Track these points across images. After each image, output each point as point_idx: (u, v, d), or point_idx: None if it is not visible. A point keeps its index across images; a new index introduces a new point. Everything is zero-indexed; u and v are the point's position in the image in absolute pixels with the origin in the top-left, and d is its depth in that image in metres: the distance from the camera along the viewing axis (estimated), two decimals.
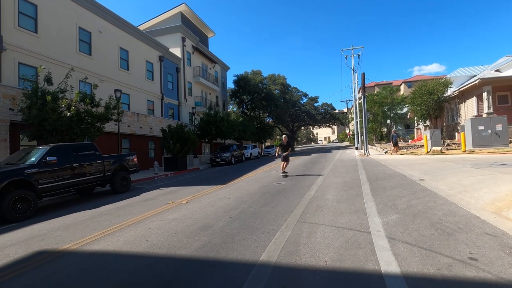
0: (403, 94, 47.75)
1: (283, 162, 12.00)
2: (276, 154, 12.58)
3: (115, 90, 15.09)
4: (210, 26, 35.58)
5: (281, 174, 11.82)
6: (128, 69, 20.64)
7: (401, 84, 68.92)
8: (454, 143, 20.59)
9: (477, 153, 14.90)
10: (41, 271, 3.88)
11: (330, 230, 4.61)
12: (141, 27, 28.30)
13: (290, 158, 14.20)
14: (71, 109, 11.23)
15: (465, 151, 15.93)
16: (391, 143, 21.02)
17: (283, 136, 12.92)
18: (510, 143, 16.58)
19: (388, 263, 3.33)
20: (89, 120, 11.96)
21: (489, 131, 16.09)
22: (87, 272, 3.76)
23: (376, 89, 63.56)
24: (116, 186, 10.42)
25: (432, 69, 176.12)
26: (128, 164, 11.22)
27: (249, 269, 3.41)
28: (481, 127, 16.25)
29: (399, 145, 23.11)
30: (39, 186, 7.78)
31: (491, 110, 19.59)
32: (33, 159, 8.04)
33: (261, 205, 6.72)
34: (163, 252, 4.19)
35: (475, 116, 20.71)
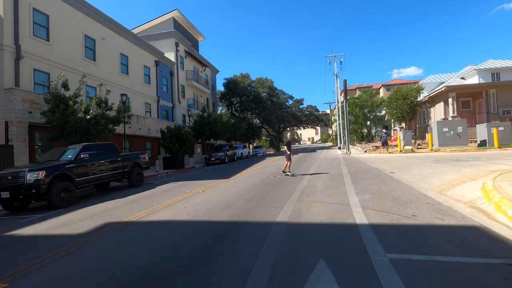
0: (382, 97, 50.92)
1: (288, 162, 11.99)
2: (290, 153, 12.12)
3: (121, 95, 16.38)
4: (199, 30, 36.99)
5: (289, 174, 11.74)
6: (127, 74, 21.85)
7: (380, 88, 72.48)
8: (424, 143, 23.14)
9: (441, 151, 17.33)
10: (118, 233, 5.46)
11: (322, 204, 6.45)
12: (135, 31, 29.35)
13: (279, 158, 15.99)
14: (89, 113, 12.56)
15: (432, 149, 18.36)
16: (380, 142, 22.84)
17: (288, 134, 13.84)
18: (469, 142, 19.18)
19: (360, 219, 5.19)
20: (103, 123, 13.30)
21: (452, 133, 18.61)
22: (154, 233, 5.39)
23: (358, 92, 66.87)
24: (133, 180, 11.87)
25: (410, 72, 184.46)
26: (141, 162, 12.69)
27: (270, 226, 5.16)
28: (445, 129, 18.75)
29: (388, 143, 24.94)
30: (76, 179, 9.20)
31: (455, 114, 22.28)
32: (70, 156, 9.43)
33: (265, 192, 8.49)
34: (204, 219, 5.87)
35: (442, 119, 23.38)
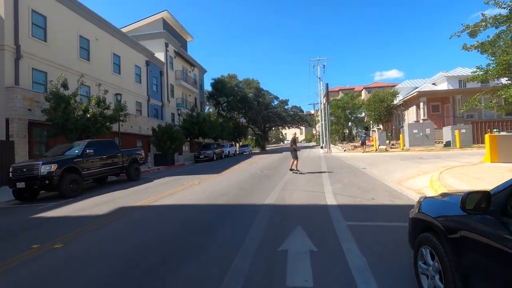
0: (363, 99, 53.32)
1: (294, 160, 12.05)
2: (293, 151, 12.29)
3: (116, 94, 17.20)
4: (188, 30, 37.80)
5: (297, 172, 11.71)
6: (120, 73, 22.52)
7: (362, 90, 75.26)
8: (397, 143, 25.16)
9: (411, 151, 19.23)
10: (135, 213, 6.60)
11: (301, 192, 7.82)
12: (124, 30, 29.81)
13: (265, 156, 17.30)
14: (89, 111, 13.41)
15: (403, 149, 20.26)
16: (359, 141, 24.60)
17: (293, 132, 13.20)
18: (436, 143, 21.25)
19: (331, 201, 6.58)
20: (101, 121, 14.16)
21: (421, 134, 20.60)
22: (166, 212, 6.58)
23: (340, 94, 69.29)
24: (131, 174, 12.86)
25: (391, 74, 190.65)
26: (138, 158, 13.67)
27: (259, 207, 6.45)
28: (415, 131, 20.71)
29: (366, 143, 26.83)
30: (82, 172, 10.15)
31: (426, 117, 24.41)
32: (76, 151, 10.36)
33: (254, 184, 9.79)
34: (206, 203, 7.11)
35: (414, 121, 25.49)
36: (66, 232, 5.37)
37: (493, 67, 7.86)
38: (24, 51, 14.42)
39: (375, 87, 68.43)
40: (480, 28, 7.67)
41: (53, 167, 9.08)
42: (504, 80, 9.38)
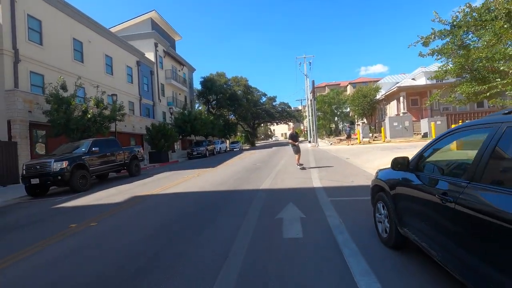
0: (349, 94, 55.04)
1: (297, 155, 11.41)
2: (294, 146, 11.54)
3: (112, 95, 17.85)
4: (175, 29, 38.27)
5: (298, 166, 11.21)
6: (112, 74, 23.02)
7: (347, 85, 77.13)
8: (380, 136, 26.75)
9: (392, 142, 20.72)
10: (149, 200, 7.57)
11: (292, 179, 8.95)
12: (113, 30, 30.09)
13: (255, 151, 18.35)
14: (90, 112, 14.12)
15: (384, 141, 21.75)
16: (345, 135, 26.03)
17: (292, 126, 12.04)
18: (415, 135, 22.86)
19: (317, 184, 7.73)
20: (100, 120, 14.87)
21: (401, 126, 22.15)
22: (176, 198, 7.57)
23: (327, 89, 70.95)
24: (132, 170, 13.69)
25: (376, 69, 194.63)
26: (138, 155, 14.50)
27: (256, 191, 7.53)
28: (395, 123, 22.24)
29: (352, 136, 28.32)
30: (90, 168, 10.97)
31: (405, 110, 26.04)
32: (83, 149, 11.15)
33: (249, 174, 10.87)
34: (209, 190, 8.14)
35: (395, 115, 27.10)
36: (94, 215, 6.31)
37: (451, 67, 9.37)
38: (22, 55, 14.92)
39: (360, 82, 70.37)
40: (430, 40, 9.22)
41: (65, 164, 9.88)
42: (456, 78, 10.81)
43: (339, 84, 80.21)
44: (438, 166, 2.77)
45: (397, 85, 27.82)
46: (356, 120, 43.26)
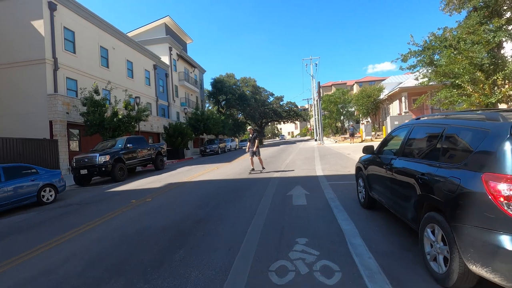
0: (355, 93, 56.25)
1: (252, 157, 11.04)
2: (247, 150, 11.22)
3: (135, 97, 19.80)
4: (187, 32, 40.12)
5: (256, 171, 10.83)
6: (132, 77, 25.00)
7: (353, 84, 77.99)
8: (382, 134, 28.16)
9: None
10: (182, 186, 9.37)
11: (299, 170, 10.66)
12: (129, 34, 32.09)
13: (263, 149, 19.98)
14: (121, 113, 16.04)
15: None
16: (348, 134, 27.62)
17: (249, 128, 11.96)
18: None
19: (320, 173, 9.44)
20: (128, 120, 16.79)
21: None
22: (206, 184, 9.36)
23: (333, 88, 72.18)
24: (157, 164, 15.56)
25: (384, 67, 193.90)
26: (162, 151, 16.37)
27: (270, 179, 9.27)
28: (396, 122, 23.62)
29: (355, 135, 29.93)
30: (126, 161, 12.85)
31: (407, 110, 27.37)
32: (120, 145, 13.04)
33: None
34: (232, 178, 9.92)
35: (398, 114, 28.45)
36: (144, 195, 8.13)
37: (424, 78, 11.34)
38: (60, 63, 16.91)
39: (366, 81, 71.29)
40: (408, 57, 11.14)
41: (107, 157, 11.77)
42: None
43: (346, 83, 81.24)
44: (389, 150, 4.46)
45: (400, 85, 29.14)
46: (361, 119, 44.55)
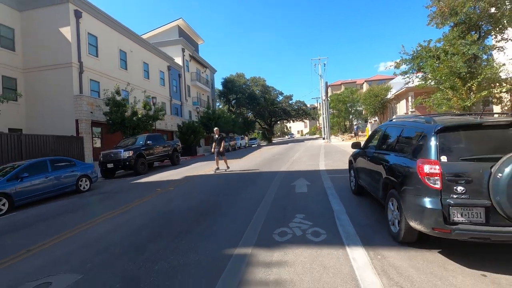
0: (364, 92, 56.56)
1: (217, 157, 11.68)
2: (212, 150, 11.82)
3: (152, 97, 21.14)
4: (198, 33, 41.42)
5: (215, 170, 11.53)
6: (148, 78, 26.42)
7: (363, 83, 77.84)
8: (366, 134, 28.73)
9: None
10: (199, 178, 10.54)
11: (304, 165, 11.69)
12: (144, 36, 33.57)
13: (273, 147, 21.00)
14: (140, 112, 17.36)
15: None
16: (353, 133, 28.57)
17: (215, 129, 12.30)
18: None
19: (322, 168, 10.46)
20: (146, 119, 18.11)
21: None
22: (219, 176, 10.50)
23: (342, 87, 72.41)
24: (174, 160, 16.82)
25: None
26: (178, 148, 17.63)
27: (277, 172, 10.34)
28: None
29: (359, 134, 30.87)
30: (146, 157, 14.13)
31: (413, 109, 27.90)
32: (141, 142, 14.33)
33: (270, 162, 13.67)
34: (243, 171, 11.02)
35: (405, 113, 29.00)
36: (167, 186, 9.33)
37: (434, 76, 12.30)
38: (85, 66, 18.35)
39: (375, 80, 71.21)
40: (400, 65, 12.14)
41: (131, 153, 13.06)
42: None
43: (355, 82, 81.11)
44: (372, 145, 5.46)
45: (406, 85, 29.64)
46: (369, 118, 45.05)
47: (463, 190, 2.82)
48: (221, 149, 11.61)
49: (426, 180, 2.99)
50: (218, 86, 48.46)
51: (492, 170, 2.70)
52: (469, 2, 10.78)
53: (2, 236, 5.40)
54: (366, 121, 54.59)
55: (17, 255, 4.21)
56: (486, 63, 11.47)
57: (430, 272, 2.87)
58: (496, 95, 12.03)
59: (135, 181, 11.34)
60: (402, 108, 30.80)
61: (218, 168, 11.70)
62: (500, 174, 2.63)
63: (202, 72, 40.78)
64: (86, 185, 9.82)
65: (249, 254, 3.55)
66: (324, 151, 17.69)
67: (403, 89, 28.61)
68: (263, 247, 3.73)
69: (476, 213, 2.79)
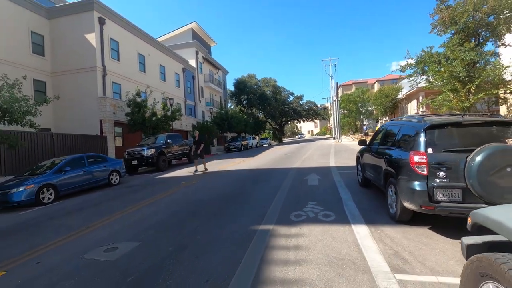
0: (376, 91, 56.52)
1: (196, 160, 12.32)
2: (192, 153, 12.49)
3: (169, 99, 22.18)
4: (211, 35, 42.52)
5: (194, 172, 11.79)
6: (165, 80, 27.59)
7: (375, 83, 77.50)
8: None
9: None
10: (217, 173, 11.41)
11: (315, 162, 12.42)
12: (159, 39, 34.85)
13: (283, 146, 21.69)
14: (159, 113, 18.42)
15: None
16: (363, 133, 29.05)
17: (195, 131, 12.95)
18: None
19: (332, 164, 11.18)
20: (165, 120, 19.17)
21: None
22: (235, 172, 11.34)
23: (354, 87, 72.36)
24: (191, 157, 17.76)
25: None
26: (192, 146, 18.57)
27: (289, 169, 11.11)
28: None
29: (369, 134, 31.31)
30: (166, 155, 15.12)
31: (424, 109, 28.12)
32: (161, 140, 15.34)
33: (283, 160, 14.44)
34: (257, 168, 11.84)
35: (415, 113, 29.22)
36: (190, 180, 10.23)
37: (437, 80, 12.80)
38: (107, 70, 19.55)
39: (388, 79, 70.83)
40: (405, 68, 12.73)
41: (153, 151, 14.08)
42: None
43: (367, 82, 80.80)
44: (376, 142, 6.17)
45: (411, 87, 29.83)
46: (379, 118, 45.15)
47: (445, 175, 3.55)
48: (198, 151, 12.08)
49: (416, 168, 3.72)
50: (230, 87, 49.50)
51: (467, 159, 3.42)
52: (467, 13, 11.56)
53: (61, 218, 6.38)
54: (376, 121, 54.58)
55: (79, 230, 5.15)
56: (492, 65, 11.93)
57: (418, 241, 3.61)
58: (501, 95, 12.48)
59: (158, 177, 12.31)
60: (413, 108, 31.01)
61: (196, 170, 12.02)
62: (472, 163, 3.35)
63: (215, 74, 41.83)
64: (116, 179, 10.83)
65: (271, 229, 4.36)
66: (334, 150, 18.33)
67: (414, 89, 28.86)
68: (282, 225, 4.53)
69: (454, 193, 3.51)
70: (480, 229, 1.95)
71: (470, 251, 1.90)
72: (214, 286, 2.84)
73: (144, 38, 24.50)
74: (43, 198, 8.10)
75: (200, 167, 12.62)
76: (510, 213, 1.74)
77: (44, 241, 4.69)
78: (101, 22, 19.16)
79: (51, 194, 8.29)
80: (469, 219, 2.05)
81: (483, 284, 1.71)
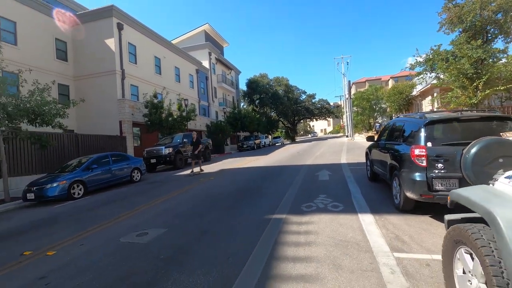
0: (389, 89, 55.74)
1: (193, 161, 12.47)
2: (189, 154, 12.82)
3: (184, 100, 22.97)
4: (223, 36, 43.17)
5: (190, 174, 11.81)
6: (179, 82, 28.42)
7: (389, 79, 76.25)
8: None
9: None
10: (234, 170, 11.91)
11: (327, 159, 12.74)
12: (173, 42, 35.78)
13: (296, 145, 21.96)
14: (175, 114, 19.13)
15: None
16: (375, 131, 28.99)
17: (193, 133, 13.04)
18: None
19: (343, 161, 11.48)
20: (181, 120, 19.88)
21: None
22: (251, 169, 11.82)
23: (367, 85, 71.48)
24: (206, 156, 18.41)
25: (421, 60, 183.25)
26: (209, 145, 19.21)
27: (302, 165, 11.49)
28: None
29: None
30: (183, 153, 15.77)
31: (438, 105, 27.74)
32: (178, 140, 16.01)
33: (296, 157, 14.81)
34: (271, 165, 12.28)
35: (430, 110, 28.85)
36: (206, 177, 10.78)
37: (446, 77, 12.93)
38: (126, 73, 20.45)
39: (402, 76, 69.51)
40: (415, 67, 12.82)
41: (171, 149, 14.75)
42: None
43: (380, 79, 79.59)
44: (383, 138, 6.48)
45: (431, 82, 29.46)
46: (393, 116, 44.58)
47: (443, 166, 3.88)
48: (196, 152, 12.25)
49: (416, 160, 4.07)
50: (243, 86, 50.07)
51: (463, 151, 3.74)
52: (474, 11, 11.67)
53: (93, 209, 7.04)
54: (390, 118, 53.84)
55: (112, 220, 5.74)
56: (504, 61, 11.90)
57: (419, 227, 3.96)
58: None
59: (176, 174, 12.95)
60: (427, 105, 30.60)
61: (192, 171, 12.07)
62: (468, 155, 3.67)
63: (228, 74, 42.48)
64: (138, 176, 11.52)
65: (284, 218, 4.79)
66: (347, 148, 18.52)
67: (428, 86, 28.52)
68: (294, 214, 4.96)
69: (451, 183, 3.84)
70: (460, 208, 2.31)
71: (450, 225, 2.27)
72: (236, 261, 3.31)
73: (160, 41, 25.34)
74: (74, 193, 8.83)
75: (197, 168, 12.69)
76: (476, 190, 2.12)
77: (83, 229, 5.30)
78: (120, 27, 20.05)
79: (80, 190, 9.01)
80: (448, 197, 2.42)
81: (457, 250, 2.09)
